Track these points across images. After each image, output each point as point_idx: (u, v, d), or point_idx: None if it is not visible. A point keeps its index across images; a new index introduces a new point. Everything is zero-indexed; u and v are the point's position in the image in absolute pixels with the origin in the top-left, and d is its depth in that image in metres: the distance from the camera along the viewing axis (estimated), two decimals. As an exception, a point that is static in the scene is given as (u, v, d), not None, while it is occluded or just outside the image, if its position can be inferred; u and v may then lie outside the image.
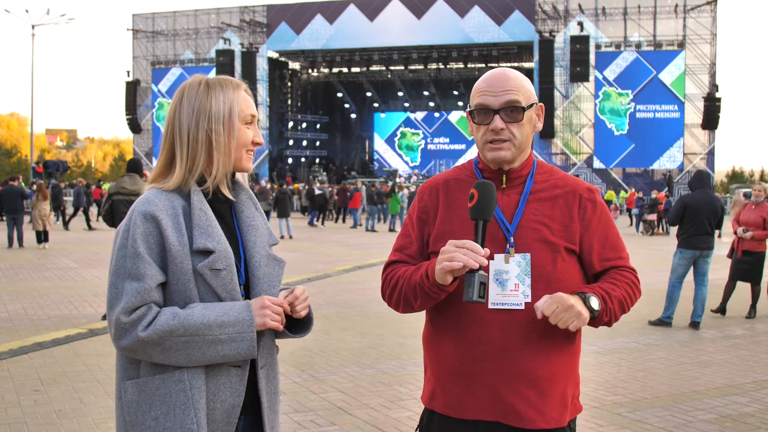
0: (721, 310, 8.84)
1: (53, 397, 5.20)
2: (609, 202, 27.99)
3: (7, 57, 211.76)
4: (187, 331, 1.76)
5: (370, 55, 44.01)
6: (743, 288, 9.01)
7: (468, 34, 39.92)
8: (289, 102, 47.97)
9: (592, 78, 37.45)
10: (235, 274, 1.86)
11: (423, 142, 52.53)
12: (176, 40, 44.77)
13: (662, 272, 10.86)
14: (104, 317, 8.10)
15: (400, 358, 6.48)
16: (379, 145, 53.76)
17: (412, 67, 46.53)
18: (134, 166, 8.26)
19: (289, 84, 47.89)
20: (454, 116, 51.15)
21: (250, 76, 40.63)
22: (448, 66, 45.75)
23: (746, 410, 5.17)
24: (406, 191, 28.67)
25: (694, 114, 36.85)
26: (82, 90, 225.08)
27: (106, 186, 29.06)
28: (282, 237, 20.13)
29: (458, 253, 1.76)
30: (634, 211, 26.61)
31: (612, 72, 37.63)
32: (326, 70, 48.98)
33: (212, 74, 2.04)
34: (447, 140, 51.74)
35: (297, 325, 2.01)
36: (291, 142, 47.87)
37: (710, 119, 35.59)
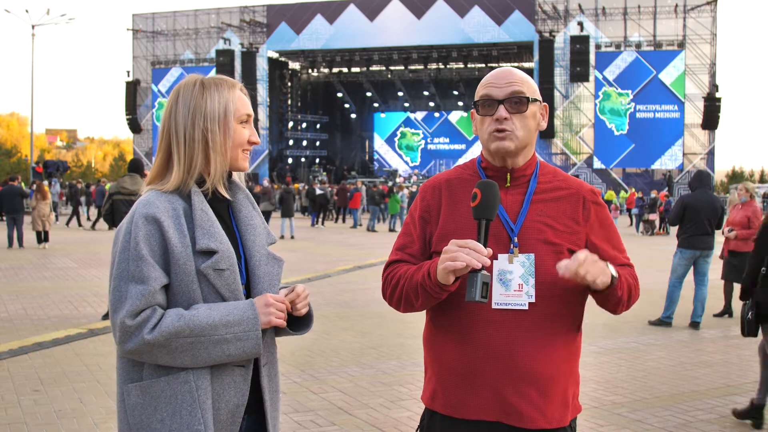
0: (727, 311, 8.82)
1: (53, 397, 5.20)
2: (609, 202, 27.99)
3: (7, 57, 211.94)
4: (193, 331, 1.76)
5: (370, 55, 44.01)
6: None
7: (468, 34, 39.93)
8: (289, 102, 47.98)
9: (592, 78, 37.46)
10: (237, 273, 1.86)
11: (423, 142, 52.55)
12: (176, 40, 44.78)
13: (662, 272, 10.86)
14: (104, 317, 8.10)
15: (400, 358, 6.48)
16: (379, 145, 53.78)
17: (412, 67, 46.54)
18: (135, 166, 8.27)
19: (289, 84, 47.89)
20: (454, 116, 51.17)
21: (250, 76, 40.68)
22: (448, 66, 45.76)
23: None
24: (406, 191, 28.67)
25: (694, 114, 36.86)
26: (82, 90, 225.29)
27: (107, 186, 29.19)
28: (282, 237, 20.11)
29: (461, 253, 1.76)
30: (635, 211, 26.63)
31: (612, 72, 37.64)
32: (326, 70, 48.99)
33: (212, 74, 2.03)
34: (447, 140, 51.77)
35: (297, 322, 2.01)
36: (291, 142, 47.87)
37: (710, 119, 35.60)
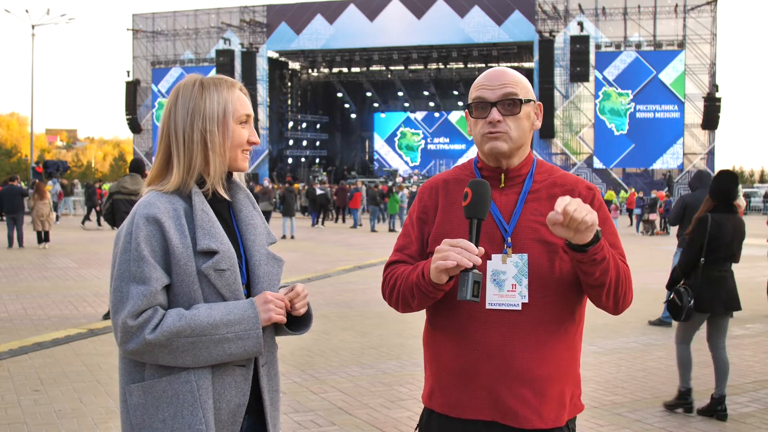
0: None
1: (53, 397, 5.21)
2: (609, 202, 27.96)
3: (7, 57, 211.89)
4: (194, 331, 1.76)
5: (370, 55, 44.01)
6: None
7: (468, 34, 39.93)
8: (289, 102, 47.97)
9: (592, 78, 37.46)
10: (238, 273, 1.87)
11: (423, 142, 52.55)
12: (176, 40, 44.78)
13: (662, 272, 10.86)
14: (104, 317, 8.11)
15: (400, 358, 6.48)
16: (379, 145, 53.78)
17: (412, 67, 46.54)
18: (137, 166, 8.29)
19: (289, 84, 47.88)
20: (454, 116, 51.15)
21: (250, 76, 40.68)
22: (448, 66, 45.76)
23: (746, 410, 5.18)
24: (406, 191, 28.67)
25: (694, 114, 36.86)
26: (82, 90, 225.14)
27: (105, 186, 29.22)
28: (284, 237, 20.11)
29: (452, 252, 1.76)
30: (636, 211, 26.62)
31: (612, 72, 37.64)
32: (326, 70, 48.99)
33: (212, 74, 2.03)
34: (447, 140, 51.77)
35: (296, 322, 2.01)
36: (291, 142, 47.87)
37: (710, 119, 35.60)
